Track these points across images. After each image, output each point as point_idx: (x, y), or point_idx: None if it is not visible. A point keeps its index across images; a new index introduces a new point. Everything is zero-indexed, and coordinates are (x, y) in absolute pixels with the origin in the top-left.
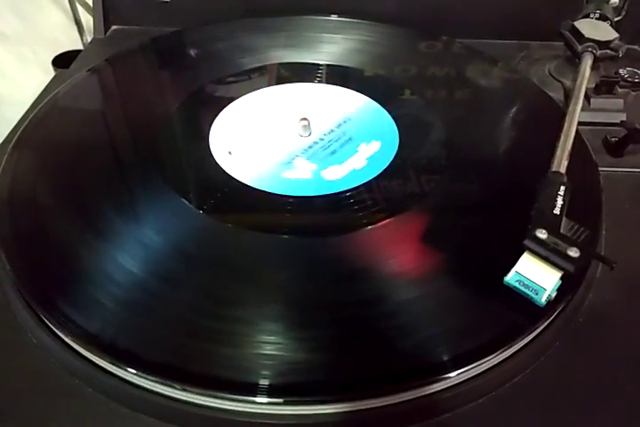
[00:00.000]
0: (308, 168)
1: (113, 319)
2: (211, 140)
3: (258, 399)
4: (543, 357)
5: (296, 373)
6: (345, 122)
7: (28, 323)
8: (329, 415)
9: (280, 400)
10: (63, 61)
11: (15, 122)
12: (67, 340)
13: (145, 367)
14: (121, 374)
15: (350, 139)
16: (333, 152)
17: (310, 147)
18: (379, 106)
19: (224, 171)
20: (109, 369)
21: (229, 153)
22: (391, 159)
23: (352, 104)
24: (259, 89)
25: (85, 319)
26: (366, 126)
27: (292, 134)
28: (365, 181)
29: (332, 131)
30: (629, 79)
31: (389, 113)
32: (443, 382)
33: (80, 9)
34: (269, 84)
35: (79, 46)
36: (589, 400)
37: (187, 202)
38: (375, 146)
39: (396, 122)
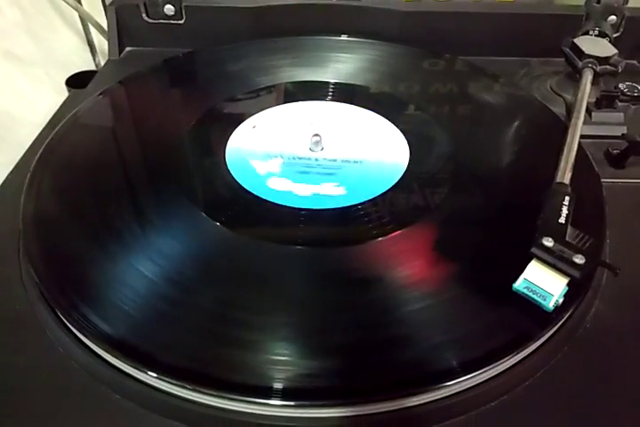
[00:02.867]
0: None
1: (135, 325)
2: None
3: (271, 402)
4: (553, 361)
5: (310, 377)
6: (350, 162)
7: (55, 330)
8: (340, 419)
9: (292, 403)
10: (76, 81)
11: (27, 140)
12: (89, 344)
13: (165, 371)
14: (143, 377)
15: (332, 174)
16: (307, 173)
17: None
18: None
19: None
20: (131, 373)
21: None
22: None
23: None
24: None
25: (108, 325)
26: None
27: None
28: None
29: (333, 160)
30: (629, 93)
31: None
32: (456, 386)
33: (92, 31)
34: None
35: (91, 67)
36: (598, 404)
37: (205, 215)
38: (337, 190)
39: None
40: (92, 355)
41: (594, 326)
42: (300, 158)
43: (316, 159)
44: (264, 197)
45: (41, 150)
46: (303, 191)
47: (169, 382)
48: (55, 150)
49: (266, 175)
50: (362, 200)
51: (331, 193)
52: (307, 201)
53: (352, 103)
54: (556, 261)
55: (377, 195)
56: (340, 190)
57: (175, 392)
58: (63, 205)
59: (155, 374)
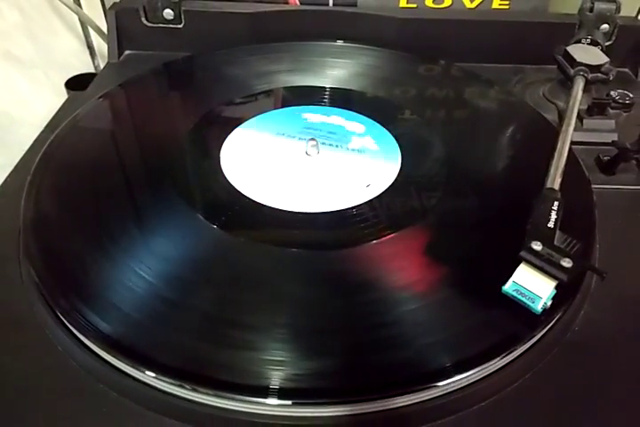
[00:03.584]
0: None
1: (133, 325)
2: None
3: (268, 401)
4: (542, 362)
5: (305, 377)
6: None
7: (54, 330)
8: (333, 418)
9: (288, 402)
10: (75, 84)
11: (26, 142)
12: (89, 343)
13: (163, 370)
14: (141, 377)
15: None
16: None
17: None
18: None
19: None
20: (129, 372)
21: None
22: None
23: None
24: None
25: (107, 325)
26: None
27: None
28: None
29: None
30: (620, 101)
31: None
32: (446, 387)
33: (92, 34)
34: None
35: (90, 69)
36: (585, 405)
37: (202, 217)
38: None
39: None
40: (92, 354)
41: (583, 329)
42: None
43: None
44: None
45: (41, 153)
46: None
47: (167, 382)
48: (55, 153)
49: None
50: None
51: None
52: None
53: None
54: (544, 265)
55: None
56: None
57: (173, 391)
58: (63, 206)
59: (153, 374)
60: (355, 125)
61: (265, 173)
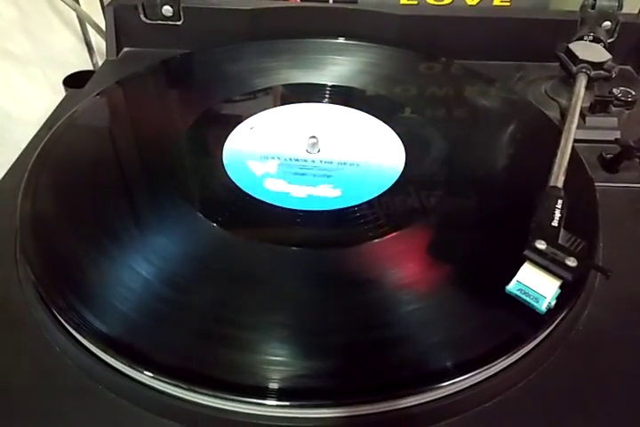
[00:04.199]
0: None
1: (131, 325)
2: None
3: (267, 402)
4: (546, 363)
5: (304, 377)
6: (346, 165)
7: (51, 329)
8: (335, 419)
9: (287, 403)
10: (73, 81)
11: (24, 140)
12: (86, 343)
13: (160, 370)
14: (139, 377)
15: (329, 176)
16: (303, 175)
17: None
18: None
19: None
20: (126, 372)
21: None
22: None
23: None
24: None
25: (104, 324)
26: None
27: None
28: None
29: (329, 162)
30: (623, 98)
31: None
32: (450, 388)
33: (90, 31)
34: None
35: (89, 67)
36: (591, 405)
37: (202, 215)
38: (334, 192)
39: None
40: (89, 354)
41: (587, 329)
42: (296, 160)
43: (313, 161)
44: (260, 198)
45: (38, 150)
46: (298, 193)
47: (165, 382)
48: (52, 150)
49: (262, 176)
50: (356, 203)
51: (326, 195)
52: (301, 202)
53: (348, 106)
54: (548, 264)
55: (372, 197)
56: (336, 192)
57: (171, 392)
58: (60, 205)
59: (151, 374)
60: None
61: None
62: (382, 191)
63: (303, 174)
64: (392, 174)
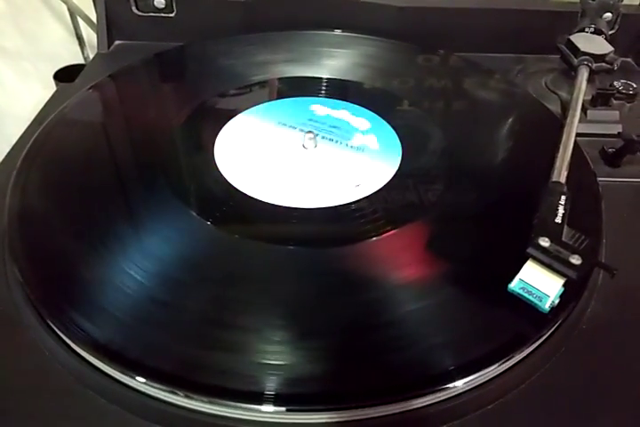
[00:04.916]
0: None
1: (122, 328)
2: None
3: (263, 408)
4: (549, 363)
5: (304, 382)
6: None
7: (40, 332)
8: (333, 424)
9: (283, 409)
10: (64, 75)
11: (14, 135)
12: (75, 347)
13: (153, 375)
14: (129, 382)
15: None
16: None
17: None
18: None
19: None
20: (118, 378)
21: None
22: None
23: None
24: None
25: (94, 328)
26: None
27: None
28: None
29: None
30: (624, 91)
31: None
32: (451, 390)
33: (81, 23)
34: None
35: (80, 60)
36: (596, 406)
37: (195, 214)
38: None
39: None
40: (79, 359)
41: (590, 327)
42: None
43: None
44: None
45: (28, 146)
46: None
47: (157, 388)
48: (42, 146)
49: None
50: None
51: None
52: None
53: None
54: (552, 262)
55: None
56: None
57: (163, 398)
58: (50, 203)
59: (143, 379)
60: (360, 121)
61: (259, 165)
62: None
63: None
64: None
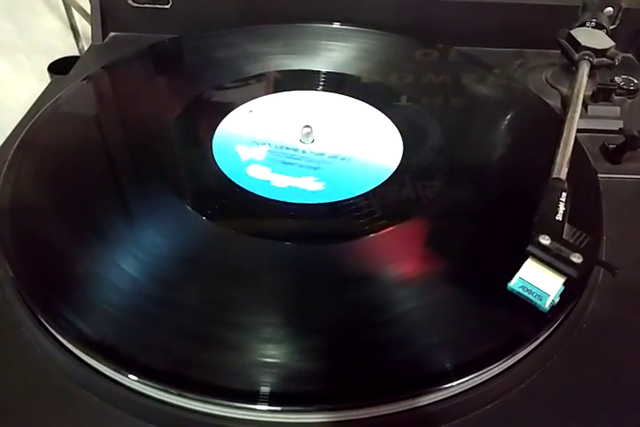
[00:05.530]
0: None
1: (115, 325)
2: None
3: (258, 407)
4: (549, 362)
5: (299, 381)
6: (337, 158)
7: (31, 329)
8: (330, 424)
9: (278, 408)
10: (59, 67)
11: (9, 128)
12: (68, 345)
13: (145, 374)
14: (122, 380)
15: (316, 168)
16: (290, 164)
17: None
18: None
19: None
20: (111, 376)
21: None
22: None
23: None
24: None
25: (87, 325)
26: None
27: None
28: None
29: (320, 154)
30: (625, 87)
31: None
32: (449, 390)
33: (76, 15)
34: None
35: (75, 52)
36: (596, 405)
37: (190, 208)
38: (316, 186)
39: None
40: (71, 356)
41: (590, 326)
42: (287, 148)
43: (304, 151)
44: (243, 187)
45: (20, 138)
46: (280, 182)
47: (150, 386)
48: (35, 139)
49: (247, 162)
50: (337, 199)
51: (307, 188)
52: (280, 193)
53: (343, 93)
54: (552, 260)
55: (356, 195)
56: (318, 186)
57: (157, 396)
58: (42, 197)
59: (136, 377)
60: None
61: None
62: (368, 189)
63: (290, 164)
64: (383, 172)
